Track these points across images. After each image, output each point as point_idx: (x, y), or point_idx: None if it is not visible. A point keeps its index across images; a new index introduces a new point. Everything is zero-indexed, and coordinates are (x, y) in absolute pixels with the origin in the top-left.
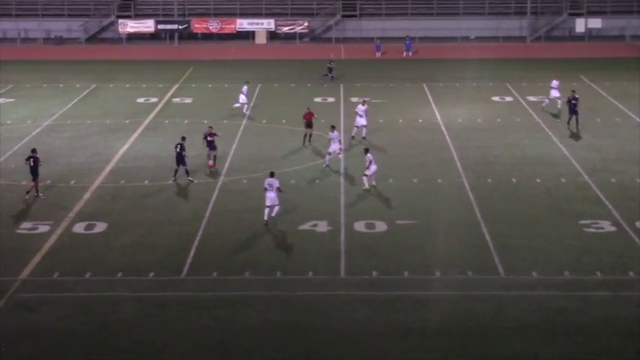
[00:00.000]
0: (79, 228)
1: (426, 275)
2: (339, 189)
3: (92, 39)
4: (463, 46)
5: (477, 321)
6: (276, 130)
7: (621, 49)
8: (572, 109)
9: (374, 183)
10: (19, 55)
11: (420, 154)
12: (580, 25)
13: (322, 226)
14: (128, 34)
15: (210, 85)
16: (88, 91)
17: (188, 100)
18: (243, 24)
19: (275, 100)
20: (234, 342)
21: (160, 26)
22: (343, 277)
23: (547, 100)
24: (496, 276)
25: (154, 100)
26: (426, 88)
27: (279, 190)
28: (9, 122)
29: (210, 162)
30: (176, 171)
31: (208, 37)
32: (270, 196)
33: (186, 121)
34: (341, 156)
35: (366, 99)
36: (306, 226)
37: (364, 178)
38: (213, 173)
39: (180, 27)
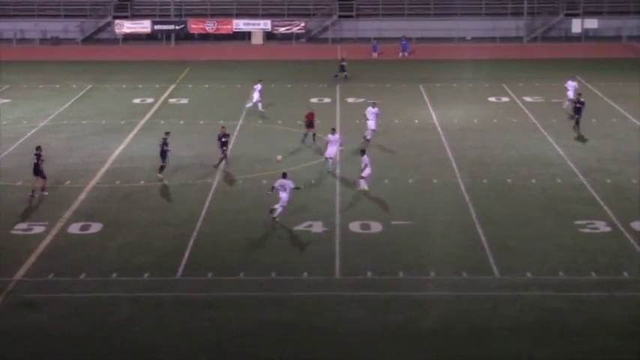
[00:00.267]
0: (74, 228)
1: (421, 276)
2: (334, 190)
3: (88, 39)
4: (459, 46)
5: (472, 321)
6: (272, 130)
7: (617, 49)
8: (578, 111)
9: (366, 187)
10: (16, 55)
11: (415, 155)
12: (576, 25)
13: (317, 227)
14: (124, 35)
15: (206, 86)
16: (84, 91)
17: (184, 101)
18: (240, 24)
19: (271, 101)
20: (229, 342)
21: (157, 27)
22: (338, 278)
23: (567, 102)
24: (491, 276)
25: (150, 100)
26: (422, 89)
27: (295, 189)
28: (5, 123)
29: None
30: (162, 167)
31: (205, 37)
32: (283, 197)
33: (182, 122)
34: (334, 160)
35: (376, 101)
36: (301, 227)
37: (361, 180)
38: (211, 174)
39: (176, 27)
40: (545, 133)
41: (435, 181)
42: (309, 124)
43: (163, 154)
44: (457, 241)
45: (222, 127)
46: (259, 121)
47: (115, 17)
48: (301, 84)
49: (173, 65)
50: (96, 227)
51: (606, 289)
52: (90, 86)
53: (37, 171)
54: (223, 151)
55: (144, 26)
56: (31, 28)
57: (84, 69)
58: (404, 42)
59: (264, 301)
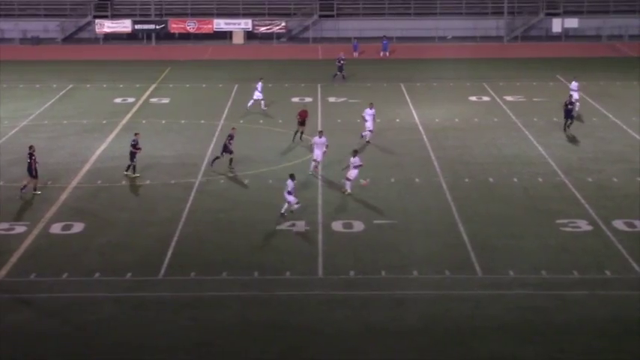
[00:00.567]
0: (56, 228)
1: (404, 275)
2: (316, 189)
3: (69, 39)
4: (440, 46)
5: (455, 320)
6: (253, 130)
7: (598, 48)
8: (569, 113)
9: (350, 190)
10: None
11: (397, 154)
12: (557, 25)
13: (300, 226)
14: (105, 35)
15: (187, 85)
16: (64, 91)
17: (165, 101)
18: (221, 24)
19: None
20: (212, 342)
21: (137, 26)
22: (321, 277)
23: (577, 104)
24: (473, 275)
25: (131, 100)
26: (404, 88)
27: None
28: None
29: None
30: (131, 166)
31: (185, 37)
32: (290, 199)
33: (163, 121)
34: (318, 164)
35: (372, 102)
36: (283, 227)
37: (347, 182)
38: (192, 174)
39: (157, 27)
40: (527, 132)
41: (417, 180)
42: (302, 122)
43: (132, 154)
44: (439, 240)
45: (233, 128)
46: (241, 121)
47: (96, 17)
48: (282, 83)
49: (154, 65)
50: (78, 227)
51: (588, 287)
52: (71, 86)
53: (31, 170)
54: (230, 151)
55: (124, 26)
56: (11, 27)
57: (64, 69)
58: (384, 41)
59: (246, 301)
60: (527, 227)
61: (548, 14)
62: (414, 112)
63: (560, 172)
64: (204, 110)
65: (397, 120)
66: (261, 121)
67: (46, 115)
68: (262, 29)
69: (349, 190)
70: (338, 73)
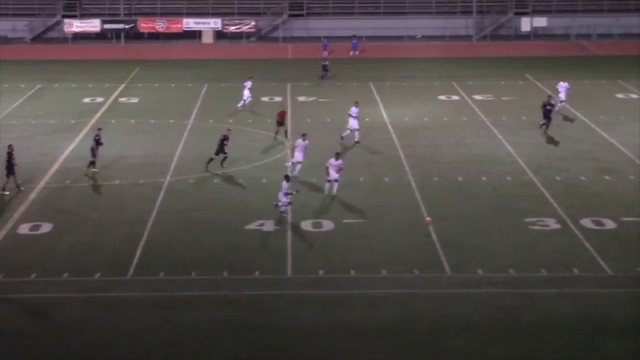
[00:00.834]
0: (24, 229)
1: (373, 274)
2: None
3: (37, 39)
4: (410, 45)
5: (424, 319)
6: (223, 129)
7: (566, 47)
8: (547, 114)
9: (326, 192)
10: None
11: (366, 153)
12: (525, 24)
13: (269, 226)
14: (74, 34)
15: (156, 85)
16: (33, 91)
17: (135, 100)
18: (190, 23)
19: (222, 100)
20: (181, 342)
21: (106, 26)
22: (290, 276)
23: (560, 104)
24: (442, 274)
25: (100, 100)
26: (373, 88)
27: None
28: None
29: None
30: (92, 162)
31: (155, 36)
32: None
33: (132, 121)
34: (296, 167)
35: (357, 101)
36: (253, 226)
37: (327, 184)
38: (162, 174)
39: (126, 27)
40: (496, 131)
41: (386, 179)
42: (280, 123)
43: (93, 150)
44: (408, 239)
45: (229, 130)
46: (210, 120)
47: (64, 16)
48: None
49: (123, 64)
50: (46, 227)
51: (557, 285)
52: (39, 86)
53: (10, 169)
54: (224, 152)
55: (93, 25)
56: None
57: (33, 68)
58: (354, 41)
59: (216, 301)
60: (495, 226)
61: (517, 13)
62: (383, 111)
63: (529, 171)
64: (174, 110)
65: (367, 119)
66: (231, 121)
67: (14, 115)
68: (232, 29)
69: (334, 192)
70: (324, 72)
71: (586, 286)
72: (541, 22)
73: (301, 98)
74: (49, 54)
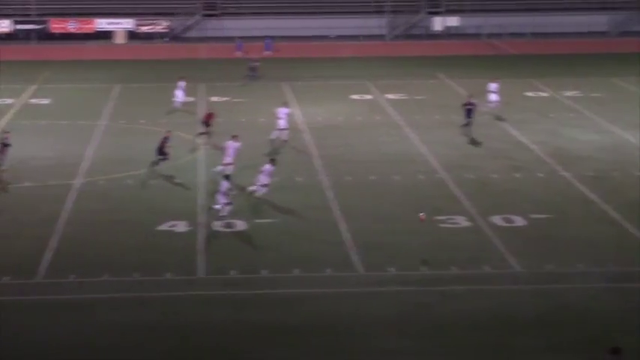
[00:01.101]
0: None
1: (285, 273)
2: (197, 189)
3: None
4: (324, 44)
5: (338, 318)
6: (135, 130)
7: (478, 47)
8: (468, 114)
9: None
10: None
11: (279, 153)
12: (437, 23)
13: (181, 227)
14: None
15: (68, 86)
16: None
17: (46, 101)
18: (102, 24)
19: (134, 101)
20: (92, 344)
21: (18, 26)
22: (202, 277)
23: (490, 104)
24: (355, 273)
25: (10, 101)
26: (286, 87)
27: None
28: None
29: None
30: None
31: (67, 37)
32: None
33: (43, 122)
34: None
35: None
36: (164, 227)
37: (255, 187)
38: (73, 175)
39: (37, 27)
40: (409, 130)
41: (298, 179)
42: (206, 124)
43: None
44: (321, 238)
45: (168, 131)
46: (122, 121)
47: None
48: (163, 84)
49: (34, 65)
50: None
51: (467, 282)
52: None
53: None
54: (165, 154)
55: (4, 26)
56: None
57: None
58: (267, 40)
59: (127, 303)
60: (407, 224)
61: (430, 13)
62: (297, 111)
63: (441, 170)
64: (86, 111)
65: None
66: (142, 121)
67: None
68: (145, 29)
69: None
70: (251, 74)
71: (496, 283)
72: (454, 21)
73: (215, 98)
74: None
